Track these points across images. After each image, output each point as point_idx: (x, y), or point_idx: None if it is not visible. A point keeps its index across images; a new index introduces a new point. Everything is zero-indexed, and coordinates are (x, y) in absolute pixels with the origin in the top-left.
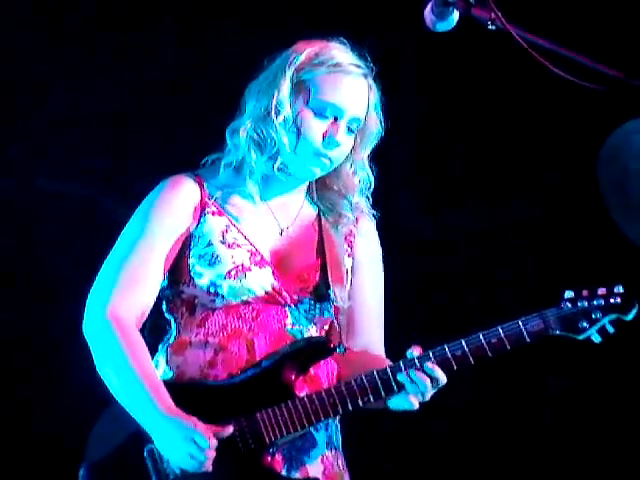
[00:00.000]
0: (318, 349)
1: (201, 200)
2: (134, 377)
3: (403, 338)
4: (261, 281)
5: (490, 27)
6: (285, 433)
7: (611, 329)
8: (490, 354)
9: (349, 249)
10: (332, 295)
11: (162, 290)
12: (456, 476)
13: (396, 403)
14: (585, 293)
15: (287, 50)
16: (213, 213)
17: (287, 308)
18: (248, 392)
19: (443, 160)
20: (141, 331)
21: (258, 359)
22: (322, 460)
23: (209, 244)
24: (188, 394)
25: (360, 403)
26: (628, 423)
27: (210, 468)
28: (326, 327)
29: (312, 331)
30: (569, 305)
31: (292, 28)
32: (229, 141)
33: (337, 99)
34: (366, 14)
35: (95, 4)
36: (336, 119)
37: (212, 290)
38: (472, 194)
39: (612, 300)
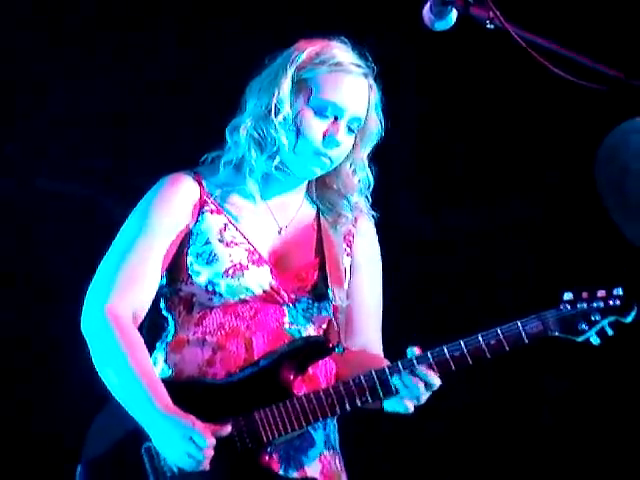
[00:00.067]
0: (317, 348)
1: (200, 198)
2: (132, 375)
3: (403, 338)
4: (259, 280)
5: (489, 26)
6: (283, 432)
7: (610, 331)
8: (489, 355)
9: (348, 249)
10: (330, 294)
11: (160, 288)
12: (453, 477)
13: (391, 406)
14: (584, 295)
15: (288, 49)
16: (211, 211)
17: (285, 307)
18: (246, 391)
19: (443, 160)
20: (139, 329)
21: (256, 358)
22: (320, 459)
23: (207, 242)
24: (186, 392)
25: (358, 403)
26: (626, 425)
27: (207, 467)
28: (324, 326)
29: (310, 330)
30: (568, 307)
31: (292, 28)
32: (229, 139)
33: (338, 98)
34: (366, 14)
35: (95, 4)
36: (336, 118)
37: (210, 288)
38: (472, 194)
39: (611, 302)
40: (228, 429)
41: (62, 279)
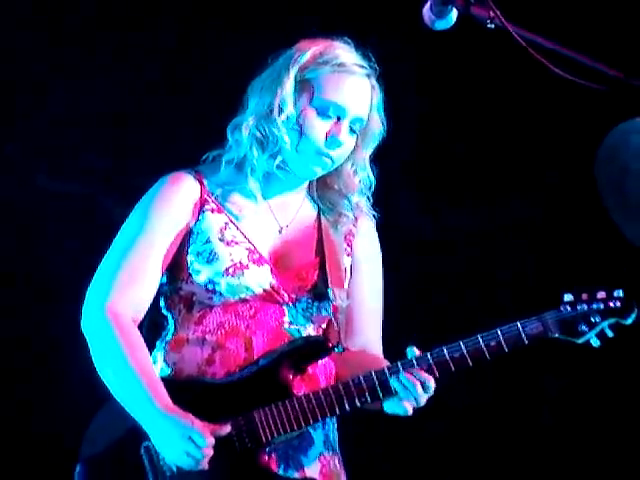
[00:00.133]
0: (316, 348)
1: (200, 197)
2: (132, 374)
3: (403, 338)
4: (259, 279)
5: (489, 26)
6: (282, 432)
7: (610, 333)
8: (488, 357)
9: (348, 248)
10: (330, 294)
11: (160, 286)
12: (453, 477)
13: (391, 408)
14: (585, 296)
15: (291, 48)
16: (212, 210)
17: (285, 306)
18: (246, 391)
19: (443, 160)
20: (139, 327)
21: (256, 357)
22: (319, 459)
23: (207, 241)
24: (186, 392)
25: (357, 403)
26: (626, 425)
27: (206, 466)
28: (324, 326)
29: (309, 330)
30: (568, 308)
31: (292, 28)
32: (230, 137)
33: (340, 99)
34: (366, 14)
35: (95, 4)
36: (339, 119)
37: (210, 287)
38: (472, 194)
39: (612, 304)
40: (227, 429)
41: (62, 279)
